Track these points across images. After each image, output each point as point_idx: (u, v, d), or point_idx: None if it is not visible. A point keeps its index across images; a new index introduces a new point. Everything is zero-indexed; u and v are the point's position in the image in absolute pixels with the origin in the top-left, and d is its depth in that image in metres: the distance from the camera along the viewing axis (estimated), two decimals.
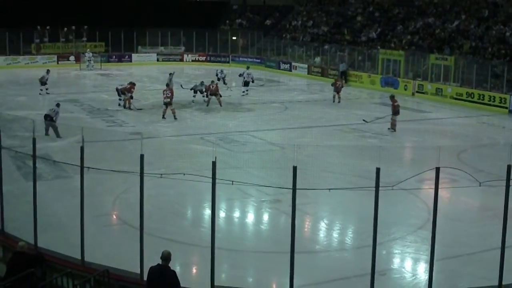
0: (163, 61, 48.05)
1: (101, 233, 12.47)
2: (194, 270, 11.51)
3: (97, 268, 9.94)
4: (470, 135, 24.16)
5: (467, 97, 30.93)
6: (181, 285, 8.49)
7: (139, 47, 48.37)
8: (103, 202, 14.45)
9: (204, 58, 48.90)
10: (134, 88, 27.55)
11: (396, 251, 12.21)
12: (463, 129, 25.37)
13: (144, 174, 9.55)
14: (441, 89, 32.45)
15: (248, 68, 33.95)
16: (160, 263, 8.36)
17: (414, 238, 12.74)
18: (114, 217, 14.22)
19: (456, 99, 31.41)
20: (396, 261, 11.86)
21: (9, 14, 43.69)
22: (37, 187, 10.94)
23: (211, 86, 28.24)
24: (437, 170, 8.75)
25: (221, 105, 27.99)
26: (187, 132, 23.09)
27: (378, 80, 36.48)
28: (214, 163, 9.03)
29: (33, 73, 37.28)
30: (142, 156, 9.48)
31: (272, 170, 15.90)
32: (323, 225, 13.81)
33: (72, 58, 45.26)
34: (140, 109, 27.07)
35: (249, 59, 46.38)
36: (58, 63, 44.00)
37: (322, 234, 13.47)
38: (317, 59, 42.56)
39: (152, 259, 8.72)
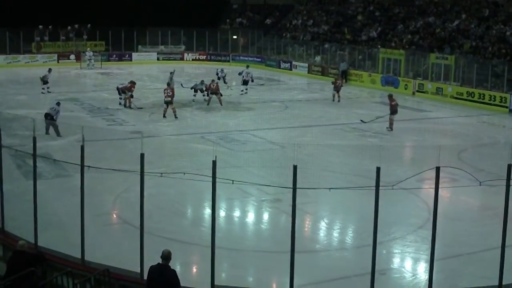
0: (163, 60, 48.05)
1: (102, 232, 12.46)
2: (194, 269, 11.51)
3: (97, 267, 9.94)
4: (471, 134, 24.15)
5: (467, 97, 30.92)
6: (181, 284, 8.49)
7: (140, 46, 48.37)
8: (104, 201, 14.45)
9: (204, 57, 48.89)
10: (134, 87, 27.56)
11: (396, 251, 12.21)
12: (464, 128, 25.36)
13: (145, 173, 9.55)
14: (442, 88, 32.44)
15: (247, 67, 33.93)
16: (161, 262, 8.35)
17: (414, 237, 12.73)
18: (115, 216, 14.22)
19: (456, 98, 31.39)
20: (396, 261, 11.85)
21: (10, 13, 43.68)
22: (37, 186, 10.94)
23: (211, 85, 28.23)
24: (437, 169, 8.74)
25: (221, 104, 27.99)
26: (187, 131, 23.09)
27: (379, 79, 36.48)
28: (214, 162, 9.03)
29: (33, 72, 37.29)
30: (142, 155, 9.48)
31: (272, 169, 15.89)
32: (323, 225, 13.81)
33: (72, 57, 45.27)
34: (141, 108, 27.07)
35: (250, 58, 46.37)
36: (58, 62, 44.01)
37: (322, 233, 13.47)
38: (318, 58, 42.55)
39: (153, 258, 8.71)
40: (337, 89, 30.54)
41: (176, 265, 9.48)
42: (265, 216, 14.49)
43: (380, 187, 8.81)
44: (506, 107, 28.92)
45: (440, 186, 8.86)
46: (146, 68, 43.97)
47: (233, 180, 9.50)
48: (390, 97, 24.14)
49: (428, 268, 9.42)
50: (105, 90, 32.21)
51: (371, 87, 36.13)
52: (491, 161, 17.58)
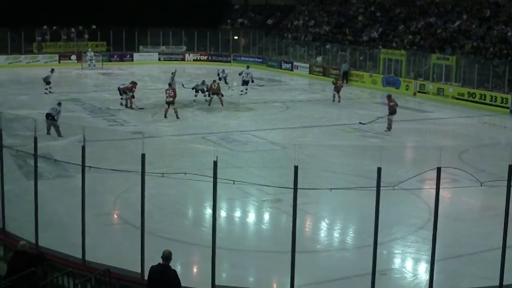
0: (164, 60, 48.05)
1: (102, 233, 12.47)
2: (195, 270, 11.52)
3: (98, 267, 9.95)
4: (472, 135, 24.14)
5: (468, 97, 30.91)
6: (182, 284, 8.49)
7: (141, 47, 48.39)
8: (104, 201, 14.45)
9: (205, 57, 48.91)
10: (135, 88, 27.57)
11: (397, 251, 12.21)
12: (465, 129, 25.34)
13: (145, 174, 9.56)
14: (443, 89, 32.42)
15: (248, 67, 33.94)
16: (161, 262, 8.35)
17: (415, 238, 12.73)
18: (115, 216, 14.23)
19: (457, 99, 31.38)
20: (397, 261, 11.85)
21: (11, 13, 43.71)
22: (38, 186, 10.95)
23: (212, 86, 28.24)
24: (439, 170, 8.75)
25: (222, 105, 27.99)
26: (188, 131, 23.09)
27: (380, 79, 36.47)
28: (215, 163, 9.03)
29: (34, 72, 37.35)
30: (143, 156, 9.48)
31: (273, 170, 15.89)
32: (324, 225, 13.81)
33: (73, 57, 45.29)
34: (142, 108, 27.09)
35: (251, 59, 46.38)
36: (59, 62, 44.00)
37: (323, 233, 13.47)
38: (319, 59, 42.55)
39: (153, 259, 8.72)
40: (337, 89, 30.57)
41: (176, 265, 9.49)
42: (266, 216, 14.49)
43: (381, 188, 8.81)
44: (507, 107, 28.91)
45: (441, 186, 8.86)
46: (147, 69, 44.00)
47: (234, 181, 9.50)
48: (389, 97, 24.13)
49: (429, 268, 9.42)
50: (106, 91, 32.22)
51: (372, 87, 36.12)
52: (492, 161, 17.57)
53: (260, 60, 46.64)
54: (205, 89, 28.85)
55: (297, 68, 43.23)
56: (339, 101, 30.41)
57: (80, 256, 10.26)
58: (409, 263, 11.85)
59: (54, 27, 45.25)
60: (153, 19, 47.04)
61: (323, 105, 30.03)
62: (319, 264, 11.47)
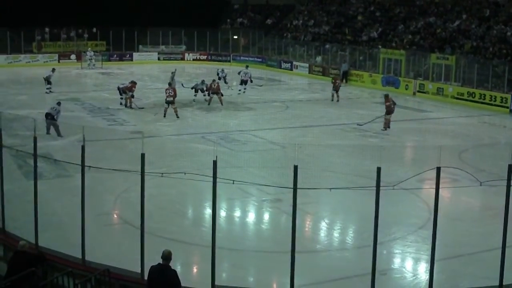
0: (164, 60, 48.09)
1: (102, 233, 12.46)
2: (195, 270, 11.51)
3: (98, 267, 9.94)
4: (471, 134, 24.14)
5: (468, 97, 30.92)
6: (182, 284, 8.48)
7: (140, 46, 48.41)
8: (104, 201, 14.46)
9: (205, 57, 48.92)
10: (135, 87, 27.58)
11: (397, 251, 12.21)
12: (464, 128, 25.35)
13: (145, 173, 9.55)
14: (442, 88, 32.43)
15: (247, 67, 33.95)
16: (161, 262, 8.35)
17: (415, 237, 12.73)
18: (115, 216, 14.22)
19: (457, 98, 31.39)
20: (397, 261, 11.85)
21: (10, 13, 43.71)
22: (38, 186, 10.95)
23: (212, 85, 28.24)
24: (438, 169, 8.74)
25: (222, 104, 27.99)
26: (188, 131, 23.09)
27: (379, 79, 36.47)
28: (215, 162, 9.03)
29: (34, 72, 37.36)
30: (143, 155, 9.48)
31: (273, 170, 15.89)
32: (324, 225, 13.81)
33: (73, 57, 45.31)
34: (142, 108, 27.08)
35: (250, 58, 46.40)
36: (59, 62, 44.01)
37: (323, 233, 13.46)
38: (318, 59, 42.56)
39: (153, 259, 8.71)
40: (336, 88, 30.60)
41: (176, 265, 9.49)
42: (266, 216, 14.49)
43: (381, 187, 8.81)
44: (507, 107, 28.91)
45: (440, 186, 8.86)
46: (147, 68, 44.01)
47: (233, 180, 9.51)
48: (386, 97, 24.16)
49: (428, 268, 9.42)
50: (105, 90, 32.21)
51: (371, 87, 36.12)
52: (491, 161, 17.57)
53: (260, 59, 46.65)
54: (205, 88, 28.86)
55: (297, 68, 43.24)
56: (337, 100, 30.43)
57: (80, 256, 10.25)
58: (409, 263, 11.85)
59: (56, 30, 45.21)
60: (153, 19, 47.08)
61: (323, 104, 30.03)
62: (319, 264, 11.47)
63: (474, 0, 38.40)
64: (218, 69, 35.15)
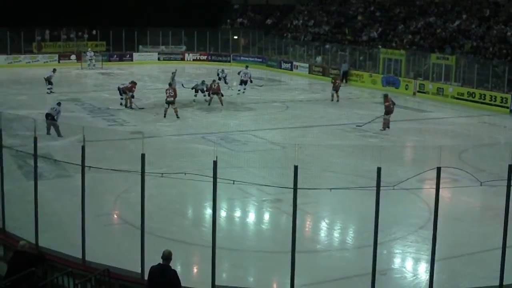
0: (164, 60, 48.08)
1: (102, 233, 12.46)
2: (195, 270, 11.51)
3: (98, 267, 9.94)
4: (471, 134, 24.14)
5: (468, 97, 30.91)
6: (182, 284, 8.49)
7: (140, 46, 48.41)
8: (104, 201, 14.46)
9: (205, 57, 48.92)
10: (135, 87, 27.59)
11: (397, 251, 12.21)
12: (464, 128, 25.35)
13: (145, 174, 9.55)
14: (442, 88, 32.43)
15: (247, 67, 33.96)
16: (161, 262, 8.35)
17: (415, 238, 12.73)
18: (115, 216, 14.22)
19: (457, 98, 31.39)
20: (397, 261, 11.85)
21: (10, 13, 43.71)
22: (38, 186, 10.95)
23: (212, 86, 28.25)
24: (438, 169, 8.74)
25: (222, 104, 28.00)
26: (188, 131, 23.09)
27: (379, 79, 36.47)
28: (215, 163, 9.03)
29: (34, 72, 37.38)
30: (143, 156, 9.48)
31: (273, 170, 15.89)
32: (324, 225, 13.80)
33: (73, 57, 45.31)
34: (142, 108, 27.09)
35: (250, 59, 46.41)
36: (59, 62, 44.00)
37: (323, 233, 13.46)
38: (318, 59, 42.55)
39: (153, 259, 8.72)
40: (336, 88, 30.63)
41: (176, 265, 9.49)
42: (266, 216, 14.49)
43: (381, 188, 8.81)
44: (507, 107, 28.91)
45: (441, 186, 8.86)
46: (147, 68, 44.00)
47: (233, 181, 9.51)
48: (386, 97, 24.17)
49: (429, 268, 9.42)
50: (106, 90, 32.21)
51: (371, 87, 36.11)
52: (492, 161, 17.57)
53: (260, 60, 46.65)
54: (205, 89, 28.86)
55: (297, 68, 43.23)
56: (337, 100, 30.44)
57: (80, 256, 10.25)
58: (409, 263, 11.85)
59: (55, 31, 45.22)
60: (153, 19, 47.07)
61: (323, 105, 30.03)
62: (319, 264, 11.47)
63: (474, 0, 38.40)
64: (218, 70, 35.16)
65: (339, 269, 11.27)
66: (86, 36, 47.04)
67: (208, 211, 13.52)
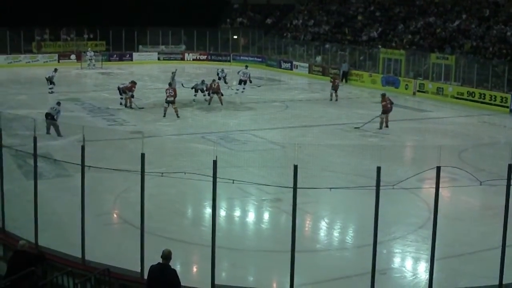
0: (164, 60, 48.08)
1: (102, 232, 12.46)
2: (195, 269, 11.52)
3: (98, 266, 9.95)
4: (471, 134, 24.15)
5: (468, 97, 30.92)
6: (182, 284, 8.49)
7: (140, 46, 48.40)
8: (104, 201, 14.46)
9: (205, 57, 48.91)
10: (135, 87, 27.59)
11: (397, 250, 12.21)
12: (464, 128, 25.36)
13: (145, 173, 9.55)
14: (442, 88, 32.44)
15: (246, 67, 33.96)
16: (161, 262, 8.35)
17: (414, 237, 12.73)
18: (115, 216, 14.22)
19: (457, 98, 31.40)
20: (397, 260, 11.85)
21: (10, 12, 43.70)
22: (38, 185, 10.95)
23: (212, 85, 28.26)
24: (438, 169, 8.74)
25: (222, 104, 28.00)
26: (188, 131, 23.09)
27: (379, 79, 36.47)
28: (215, 162, 9.03)
29: (34, 72, 37.38)
30: (143, 155, 9.48)
31: (272, 169, 15.90)
32: (323, 224, 13.81)
33: (73, 56, 45.30)
34: (141, 108, 27.09)
35: (250, 58, 46.41)
36: (59, 62, 43.99)
37: (322, 233, 13.47)
38: (318, 58, 42.56)
39: (153, 258, 8.72)
40: (335, 88, 30.66)
41: (176, 264, 9.49)
42: (266, 215, 14.49)
43: (381, 187, 8.81)
44: (507, 107, 28.92)
45: (440, 186, 8.86)
46: (147, 68, 44.00)
47: (233, 180, 9.51)
48: (383, 96, 24.19)
49: (428, 267, 9.42)
50: (105, 90, 32.22)
51: (371, 87, 36.09)
52: (491, 161, 17.58)
53: (260, 59, 46.65)
54: (205, 88, 28.87)
55: (297, 68, 43.23)
56: (336, 100, 30.47)
57: (79, 255, 10.26)
58: (409, 262, 11.85)
59: (54, 30, 45.24)
60: (153, 19, 47.05)
61: (323, 104, 30.03)
62: (318, 264, 11.47)
63: (474, 0, 38.41)
64: (218, 69, 35.14)
65: (338, 268, 11.28)
66: (86, 36, 47.00)
67: (208, 211, 13.52)
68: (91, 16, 45.40)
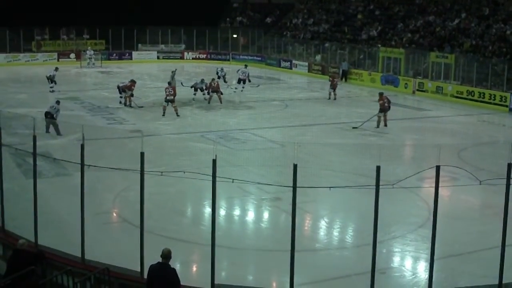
0: (163, 59, 48.09)
1: (101, 231, 12.46)
2: (195, 268, 11.51)
3: (97, 266, 9.93)
4: (471, 133, 24.15)
5: (467, 95, 30.91)
6: (182, 283, 8.49)
7: (140, 45, 48.40)
8: (103, 200, 14.45)
9: (204, 56, 48.90)
10: (134, 86, 27.59)
11: (397, 250, 12.21)
12: (464, 127, 25.36)
13: (145, 172, 9.55)
14: (442, 87, 32.43)
15: (246, 66, 33.96)
16: (161, 261, 8.35)
17: (414, 236, 12.73)
18: (114, 215, 14.22)
19: (456, 97, 31.39)
20: (397, 260, 11.85)
21: (10, 12, 43.68)
22: (37, 184, 10.93)
23: (212, 84, 28.26)
24: (438, 168, 8.73)
25: (221, 103, 27.99)
26: (187, 130, 23.08)
27: (379, 78, 36.46)
28: (214, 161, 9.02)
29: (33, 71, 37.36)
30: (142, 154, 9.47)
31: (272, 168, 15.90)
32: (323, 224, 13.81)
33: (72, 55, 45.30)
34: (141, 107, 27.08)
35: (250, 57, 46.40)
36: (58, 61, 44.01)
37: (322, 232, 13.47)
38: (318, 57, 42.55)
39: (152, 257, 8.71)
40: (333, 87, 30.67)
41: (176, 264, 9.47)
42: (265, 215, 14.49)
43: (380, 186, 8.80)
44: (506, 106, 28.91)
45: (440, 185, 8.85)
46: (146, 67, 44.00)
47: (233, 179, 9.50)
48: (380, 95, 24.24)
49: (428, 267, 9.41)
50: (105, 89, 32.22)
51: (371, 86, 36.08)
52: (491, 160, 17.57)
53: (259, 58, 46.64)
54: (204, 87, 28.87)
55: (296, 67, 43.22)
56: (334, 98, 30.49)
57: (79, 254, 10.25)
58: (409, 261, 11.85)
59: (54, 29, 45.20)
60: (152, 18, 47.02)
61: (322, 103, 30.03)
62: (318, 263, 11.47)
63: None
64: (217, 68, 35.14)
65: (338, 267, 11.27)
66: (86, 36, 46.96)
67: (208, 210, 13.52)
68: (91, 15, 45.36)
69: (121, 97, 27.49)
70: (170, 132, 22.60)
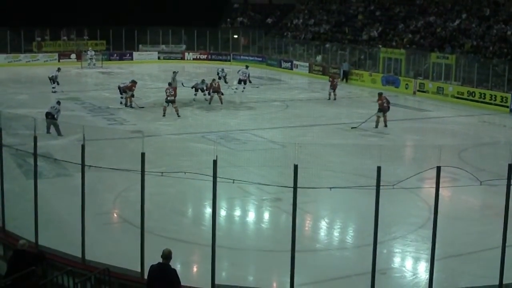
0: (164, 59, 48.10)
1: (102, 231, 12.46)
2: (195, 269, 11.52)
3: (98, 266, 9.94)
4: (471, 134, 24.15)
5: (468, 96, 30.91)
6: (182, 283, 8.50)
7: (140, 45, 48.41)
8: (104, 200, 14.45)
9: (205, 56, 48.90)
10: (135, 86, 27.60)
11: (397, 250, 12.21)
12: (464, 128, 25.35)
13: (145, 173, 9.55)
14: (442, 88, 32.43)
15: (246, 67, 33.96)
16: (161, 261, 8.35)
17: (414, 237, 12.73)
18: (115, 215, 14.22)
19: (457, 98, 31.38)
20: (397, 260, 11.85)
21: (11, 12, 43.71)
22: (38, 185, 10.95)
23: (212, 84, 28.27)
24: (438, 169, 8.74)
25: (222, 103, 28.00)
26: (188, 130, 23.09)
27: (379, 78, 36.45)
28: (215, 162, 9.03)
29: (34, 71, 37.38)
30: (143, 155, 9.48)
31: (273, 169, 15.90)
32: (323, 224, 13.81)
33: (73, 56, 45.32)
34: (142, 107, 27.09)
35: (250, 58, 46.41)
36: (59, 61, 44.00)
37: (322, 232, 13.47)
38: (318, 58, 42.54)
39: (153, 258, 8.72)
40: (333, 87, 30.68)
41: (176, 264, 9.49)
42: (266, 215, 14.49)
43: (381, 187, 8.80)
44: (507, 106, 28.89)
45: (440, 185, 8.85)
46: (147, 68, 44.01)
47: (233, 180, 9.50)
48: (380, 95, 24.25)
49: (428, 267, 9.41)
50: (106, 89, 32.24)
51: (371, 86, 36.06)
52: (491, 160, 17.55)
53: (260, 59, 46.64)
54: (205, 88, 28.89)
55: (297, 67, 43.22)
56: (334, 99, 30.48)
57: (79, 255, 10.25)
58: (409, 262, 11.85)
59: (55, 30, 45.22)
60: (153, 18, 47.04)
61: (323, 104, 30.03)
62: (319, 263, 11.47)
63: None
64: (218, 69, 35.15)
65: (338, 268, 11.27)
66: (86, 37, 46.99)
67: (208, 210, 13.52)
68: (92, 15, 45.40)
69: (121, 97, 27.50)
70: (171, 132, 22.60)
